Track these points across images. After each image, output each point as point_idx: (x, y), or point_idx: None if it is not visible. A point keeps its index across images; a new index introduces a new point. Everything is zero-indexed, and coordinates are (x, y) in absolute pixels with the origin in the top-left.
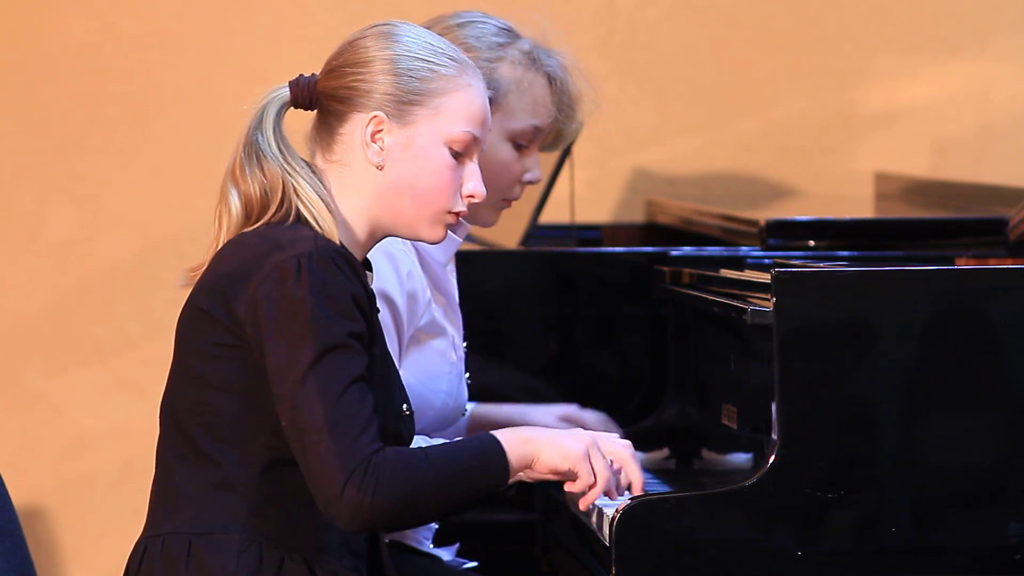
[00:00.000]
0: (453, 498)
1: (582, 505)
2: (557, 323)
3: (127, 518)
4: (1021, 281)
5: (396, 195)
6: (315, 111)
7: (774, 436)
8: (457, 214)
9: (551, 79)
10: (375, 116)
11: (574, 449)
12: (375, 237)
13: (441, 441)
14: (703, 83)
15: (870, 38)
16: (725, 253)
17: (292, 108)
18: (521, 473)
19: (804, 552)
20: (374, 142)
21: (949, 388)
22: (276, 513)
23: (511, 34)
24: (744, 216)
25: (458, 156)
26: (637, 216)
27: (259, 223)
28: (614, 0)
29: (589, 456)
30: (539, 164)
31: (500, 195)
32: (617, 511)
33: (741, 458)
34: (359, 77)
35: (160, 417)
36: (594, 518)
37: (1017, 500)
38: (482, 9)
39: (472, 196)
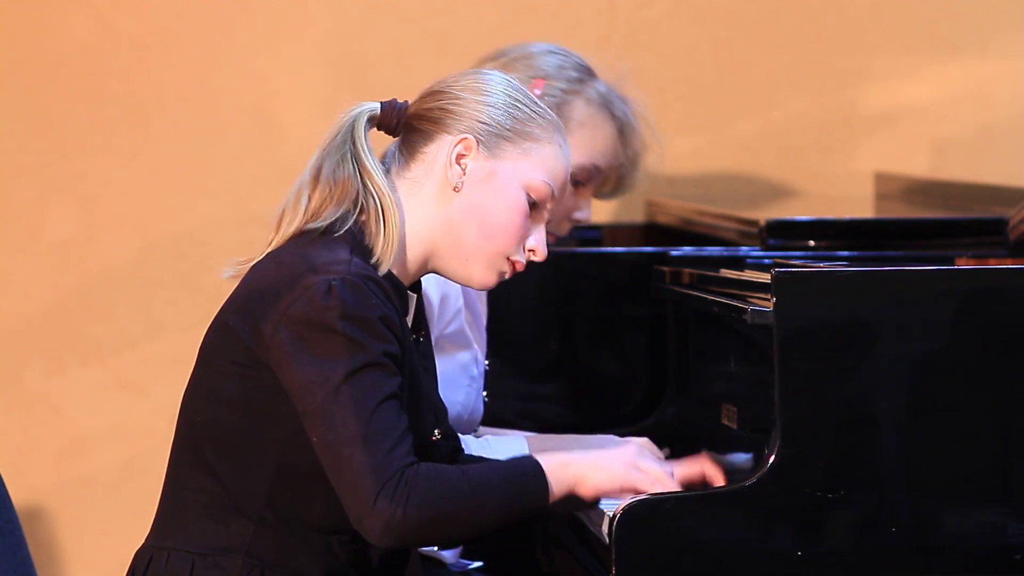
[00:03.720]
0: (489, 517)
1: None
2: (557, 323)
3: (127, 518)
4: (1021, 281)
5: (464, 221)
6: (398, 136)
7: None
8: (514, 264)
9: (622, 125)
10: (465, 139)
11: (618, 468)
12: (425, 266)
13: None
14: (703, 83)
15: (870, 38)
16: (725, 253)
17: (376, 128)
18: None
19: (804, 552)
20: (458, 164)
21: (949, 388)
22: (281, 537)
23: (589, 72)
24: (744, 216)
25: (532, 206)
26: (637, 216)
27: (305, 233)
28: (614, 0)
29: (636, 466)
30: (591, 206)
31: (548, 228)
32: (617, 511)
33: (741, 458)
34: (456, 102)
35: (177, 423)
36: (594, 518)
37: (1017, 500)
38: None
39: (533, 251)
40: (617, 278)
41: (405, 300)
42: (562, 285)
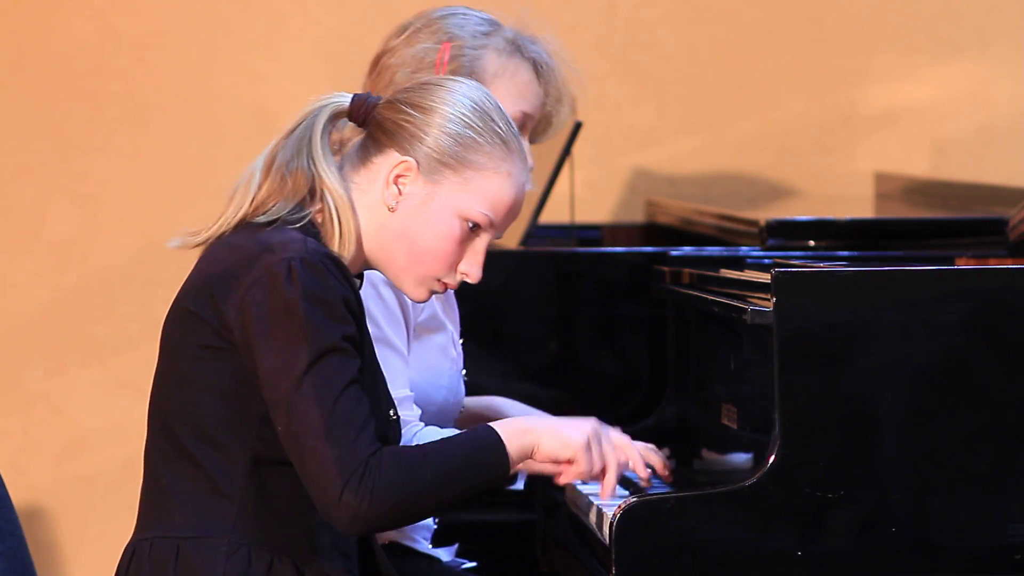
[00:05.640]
0: (453, 494)
1: (603, 495)
2: (557, 323)
3: (127, 518)
4: (1021, 281)
5: (395, 241)
6: (364, 131)
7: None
8: (445, 284)
9: (536, 64)
10: (405, 161)
11: (574, 438)
12: (365, 264)
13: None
14: (703, 83)
15: (870, 38)
16: (725, 253)
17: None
18: (521, 464)
19: (804, 552)
20: (396, 184)
21: (949, 388)
22: (264, 516)
23: (494, 24)
24: (744, 216)
25: (471, 231)
26: (637, 216)
27: (251, 220)
28: (614, 0)
29: (590, 444)
30: (531, 153)
31: None
32: (617, 511)
33: (741, 458)
34: (411, 120)
35: (148, 418)
36: (594, 518)
37: (1017, 500)
38: (482, 8)
39: (466, 275)
40: (617, 278)
41: (354, 282)
42: (562, 285)
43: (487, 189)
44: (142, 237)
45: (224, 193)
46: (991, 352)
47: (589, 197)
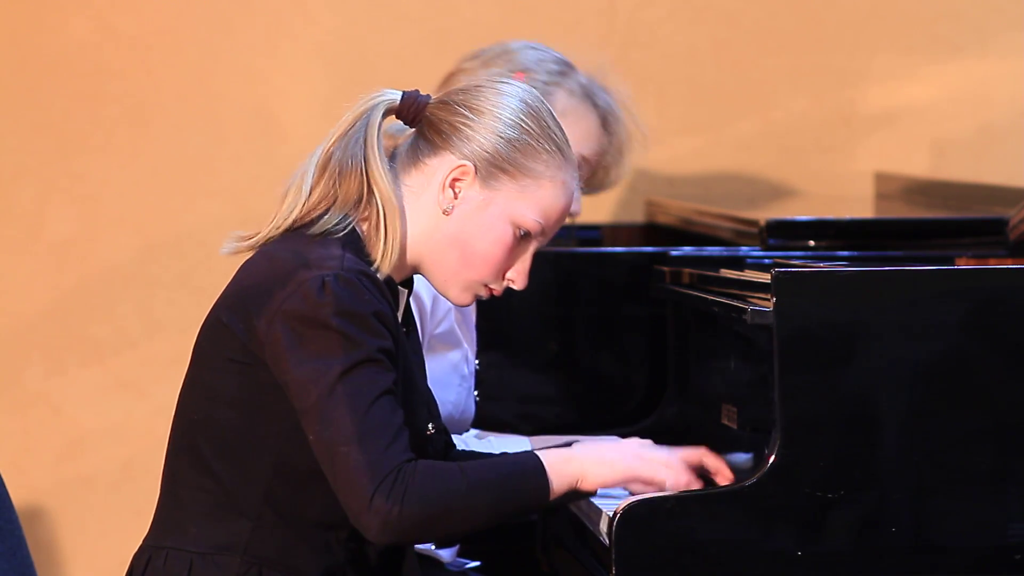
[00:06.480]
0: (487, 513)
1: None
2: (557, 323)
3: (127, 518)
4: (1021, 281)
5: (448, 245)
6: (413, 130)
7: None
8: (491, 290)
9: (604, 114)
10: (463, 165)
11: (620, 459)
12: (414, 269)
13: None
14: (703, 83)
15: (870, 38)
16: (725, 253)
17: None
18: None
19: (804, 552)
20: (452, 188)
21: (949, 388)
22: (279, 535)
23: (569, 66)
24: (744, 216)
25: (521, 238)
26: (637, 216)
27: (296, 228)
28: (614, 0)
29: (639, 456)
30: (579, 199)
31: None
32: (617, 511)
33: (741, 458)
34: (468, 121)
35: (172, 426)
36: (594, 518)
37: (1017, 500)
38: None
39: (512, 282)
40: (617, 278)
41: (396, 295)
42: (562, 285)
43: (543, 198)
44: (142, 237)
45: (226, 193)
46: (991, 352)
47: (589, 197)
